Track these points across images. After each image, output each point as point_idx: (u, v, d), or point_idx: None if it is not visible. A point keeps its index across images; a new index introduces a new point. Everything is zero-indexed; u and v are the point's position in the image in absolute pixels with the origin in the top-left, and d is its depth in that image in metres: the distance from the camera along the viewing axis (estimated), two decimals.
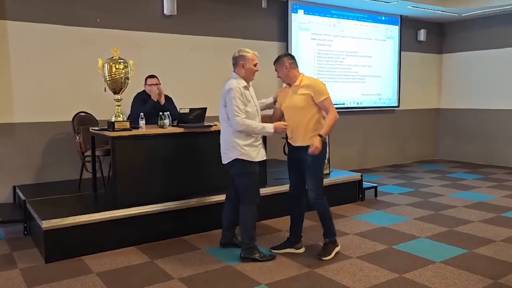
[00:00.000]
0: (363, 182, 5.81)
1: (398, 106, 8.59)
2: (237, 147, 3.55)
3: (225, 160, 3.67)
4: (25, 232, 4.39)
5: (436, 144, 9.50)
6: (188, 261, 3.70)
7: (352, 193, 5.67)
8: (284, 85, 3.86)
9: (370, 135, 8.36)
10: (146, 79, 5.02)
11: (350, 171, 6.27)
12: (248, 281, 3.31)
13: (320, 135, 3.55)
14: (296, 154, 3.72)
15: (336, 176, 5.63)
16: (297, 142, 3.69)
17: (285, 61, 3.68)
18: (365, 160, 8.32)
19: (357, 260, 3.71)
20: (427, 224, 4.70)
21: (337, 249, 3.84)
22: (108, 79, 4.23)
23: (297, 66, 3.75)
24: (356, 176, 5.74)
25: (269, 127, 3.59)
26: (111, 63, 4.22)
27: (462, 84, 9.01)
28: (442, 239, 4.21)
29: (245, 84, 3.59)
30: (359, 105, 8.02)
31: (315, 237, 4.26)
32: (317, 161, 3.64)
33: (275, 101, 3.92)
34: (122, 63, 4.25)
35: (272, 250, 3.88)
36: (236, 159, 3.57)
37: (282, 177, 5.33)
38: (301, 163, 3.70)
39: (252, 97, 3.64)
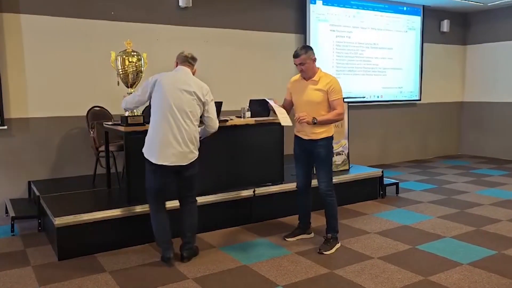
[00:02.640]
0: (384, 178, 5.61)
1: (420, 100, 8.32)
2: (198, 146, 3.52)
3: (188, 160, 3.42)
4: (40, 228, 4.34)
5: (459, 139, 9.20)
6: (202, 260, 3.59)
7: (372, 189, 5.49)
8: (297, 77, 3.82)
9: (391, 130, 8.12)
10: None
11: (370, 166, 6.07)
12: (265, 282, 3.18)
13: (314, 119, 3.58)
14: (307, 148, 3.76)
15: (356, 172, 5.45)
16: (309, 135, 3.71)
17: (312, 54, 3.65)
18: (385, 156, 8.09)
19: (379, 261, 3.54)
20: (452, 223, 4.49)
21: (338, 245, 3.83)
22: (120, 72, 4.14)
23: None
24: (377, 172, 5.55)
25: None
26: (124, 56, 4.13)
27: (487, 76, 8.67)
28: (469, 239, 4.01)
29: None
30: (380, 99, 7.78)
31: None
32: (330, 154, 3.78)
33: None
34: (135, 56, 4.16)
35: (285, 239, 3.99)
36: (197, 157, 3.51)
37: None
38: (311, 156, 3.78)
39: None
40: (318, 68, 3.70)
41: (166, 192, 3.52)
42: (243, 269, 3.42)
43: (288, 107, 3.89)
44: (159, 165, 3.35)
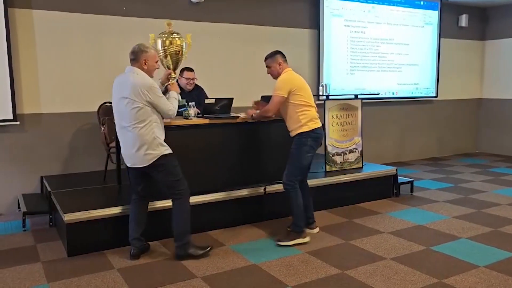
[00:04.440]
0: (398, 177, 5.49)
1: (437, 96, 8.14)
2: (161, 144, 3.39)
3: (147, 161, 3.36)
4: (51, 224, 4.35)
5: (476, 137, 8.99)
6: (212, 258, 3.54)
7: (386, 188, 5.38)
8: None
9: (406, 127, 7.97)
10: (182, 71, 4.88)
11: (385, 164, 5.96)
12: (274, 282, 3.12)
13: (252, 115, 4.05)
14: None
15: (369, 170, 5.35)
16: (290, 134, 3.89)
17: (279, 58, 3.85)
18: (401, 153, 7.95)
19: (392, 262, 3.45)
20: (469, 223, 4.37)
21: (300, 240, 3.81)
22: (161, 54, 3.90)
23: (287, 64, 3.90)
24: (391, 170, 5.44)
25: (174, 94, 3.66)
26: (164, 37, 3.91)
27: (506, 72, 8.44)
28: (485, 240, 3.89)
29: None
30: (395, 95, 7.64)
31: (345, 234, 4.04)
32: (297, 151, 3.80)
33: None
34: (177, 38, 3.95)
35: (278, 241, 3.87)
36: (163, 155, 3.39)
37: (313, 170, 5.10)
38: None
39: None
40: (286, 71, 3.84)
41: (142, 191, 3.57)
42: (252, 268, 3.36)
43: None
44: (127, 166, 3.52)
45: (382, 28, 7.35)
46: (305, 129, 3.77)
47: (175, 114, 3.55)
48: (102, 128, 4.73)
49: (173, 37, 3.95)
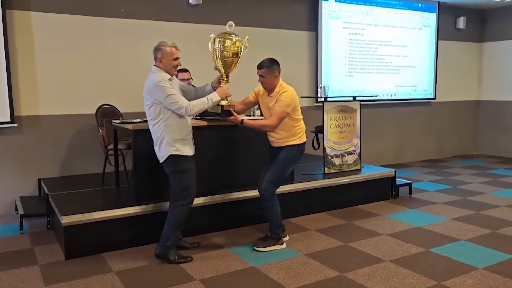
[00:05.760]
0: (397, 178, 5.49)
1: (435, 98, 8.15)
2: (169, 143, 3.37)
3: (160, 159, 3.45)
4: (48, 226, 4.33)
5: (475, 138, 9.00)
6: (210, 261, 3.53)
7: (385, 190, 5.37)
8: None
9: (405, 129, 7.98)
10: (178, 72, 4.86)
11: (384, 166, 5.96)
12: (273, 285, 3.11)
13: (241, 123, 3.64)
14: (273, 153, 3.81)
15: (368, 171, 5.35)
16: (276, 143, 3.78)
17: (276, 70, 3.68)
18: (399, 155, 7.95)
19: (391, 264, 3.45)
20: (467, 225, 4.37)
21: (277, 247, 3.77)
22: (218, 54, 3.60)
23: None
24: (389, 172, 5.43)
25: (215, 96, 3.50)
26: (223, 38, 3.59)
27: (504, 74, 8.45)
28: (484, 242, 3.88)
29: (169, 76, 3.41)
30: (393, 97, 7.64)
31: (344, 236, 4.03)
32: (286, 163, 3.74)
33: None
34: (235, 39, 3.62)
35: (255, 245, 3.79)
36: (170, 156, 3.38)
37: (311, 172, 5.11)
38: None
39: (176, 90, 3.46)
40: (279, 83, 3.71)
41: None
42: (251, 271, 3.35)
43: (246, 107, 3.96)
44: None
45: (380, 30, 7.37)
46: (297, 141, 3.74)
47: (190, 113, 3.40)
48: (100, 130, 4.72)
49: (230, 38, 3.60)
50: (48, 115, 5.07)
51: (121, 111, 5.14)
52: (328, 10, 6.82)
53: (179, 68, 4.36)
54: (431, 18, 7.90)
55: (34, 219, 4.51)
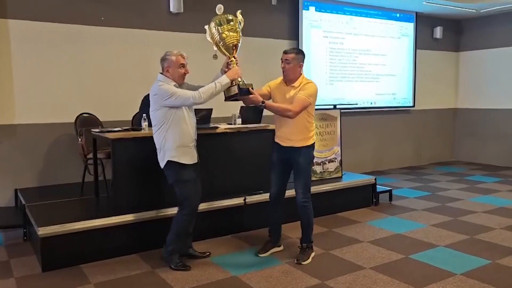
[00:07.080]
0: (377, 186, 5.55)
1: (414, 106, 8.29)
2: (169, 149, 3.38)
3: (161, 166, 3.47)
4: (25, 238, 4.24)
5: (453, 145, 9.17)
6: (192, 270, 3.49)
7: (365, 197, 5.42)
8: (278, 80, 3.73)
9: (385, 136, 8.08)
10: None
11: (364, 173, 6.01)
12: None
13: (262, 102, 3.45)
14: (285, 155, 3.65)
15: (348, 179, 5.39)
16: (288, 142, 3.62)
17: (301, 59, 3.60)
18: (379, 162, 8.04)
19: (371, 271, 3.47)
20: (446, 231, 4.43)
21: (313, 254, 3.77)
22: (218, 41, 3.51)
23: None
24: (370, 179, 5.49)
25: (224, 79, 3.43)
26: (218, 20, 3.55)
27: (481, 83, 8.67)
28: (462, 248, 3.95)
29: (176, 84, 3.42)
30: (373, 105, 7.75)
31: (325, 244, 4.04)
32: (309, 163, 3.65)
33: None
34: (229, 17, 3.57)
35: (259, 255, 3.79)
36: (168, 162, 3.40)
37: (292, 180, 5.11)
38: (289, 165, 3.66)
39: None
40: (302, 75, 3.63)
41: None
42: (233, 281, 3.33)
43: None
44: None
45: (360, 39, 7.48)
46: (312, 141, 3.65)
47: (200, 101, 3.34)
48: (80, 139, 4.65)
49: (222, 18, 3.55)
50: (25, 124, 4.96)
51: (101, 120, 5.07)
52: (309, 20, 6.90)
53: None
54: (409, 27, 8.05)
55: (10, 231, 4.39)
